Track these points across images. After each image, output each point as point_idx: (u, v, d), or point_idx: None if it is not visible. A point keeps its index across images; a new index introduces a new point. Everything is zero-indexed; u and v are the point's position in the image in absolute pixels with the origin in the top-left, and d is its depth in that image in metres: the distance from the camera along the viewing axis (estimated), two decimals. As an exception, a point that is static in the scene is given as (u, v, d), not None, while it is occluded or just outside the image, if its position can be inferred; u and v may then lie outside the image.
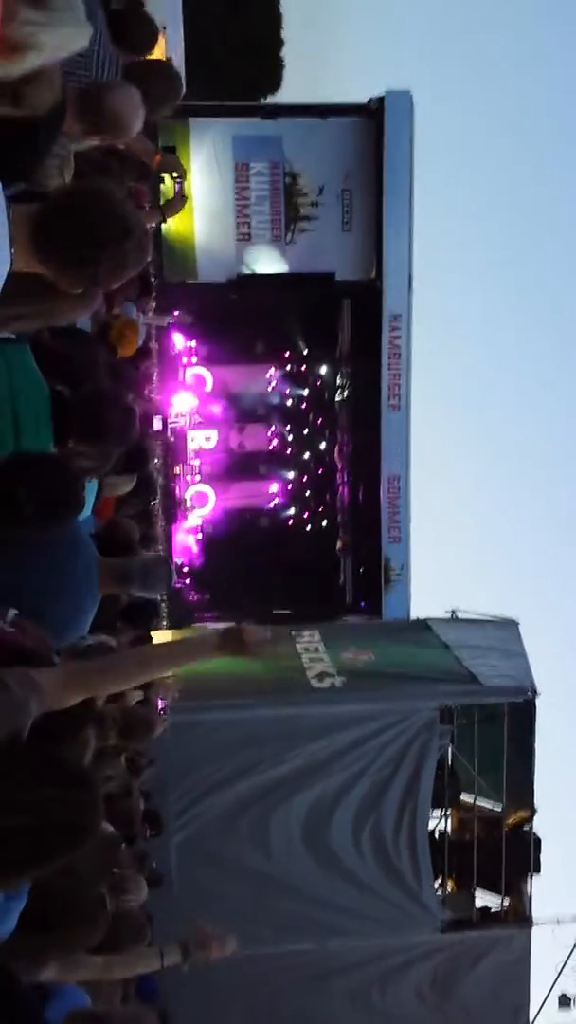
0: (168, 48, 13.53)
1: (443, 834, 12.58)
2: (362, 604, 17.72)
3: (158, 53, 5.80)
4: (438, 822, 12.67)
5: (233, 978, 10.05)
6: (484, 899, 12.42)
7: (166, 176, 9.42)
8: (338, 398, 18.38)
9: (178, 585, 16.95)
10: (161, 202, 8.85)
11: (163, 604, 13.71)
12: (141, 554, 4.61)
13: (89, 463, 3.74)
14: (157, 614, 8.18)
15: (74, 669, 2.75)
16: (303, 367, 18.72)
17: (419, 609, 16.86)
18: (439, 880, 12.26)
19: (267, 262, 16.37)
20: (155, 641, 5.74)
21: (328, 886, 11.20)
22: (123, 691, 4.27)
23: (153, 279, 11.66)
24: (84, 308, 3.32)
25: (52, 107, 2.83)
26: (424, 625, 14.10)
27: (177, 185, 9.22)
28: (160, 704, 5.49)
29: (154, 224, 8.29)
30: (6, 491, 2.79)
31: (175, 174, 8.93)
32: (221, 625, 2.82)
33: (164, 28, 12.99)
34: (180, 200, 8.48)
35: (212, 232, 16.07)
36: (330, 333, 18.16)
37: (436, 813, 12.42)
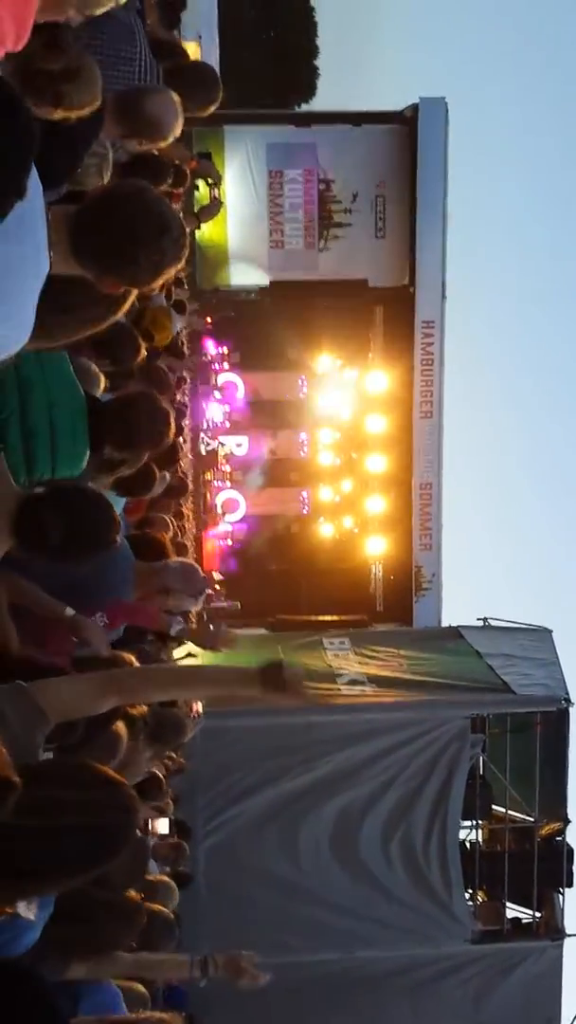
0: (203, 56, 13.58)
1: (474, 845, 12.48)
2: (391, 611, 17.65)
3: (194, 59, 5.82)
4: (469, 832, 12.57)
5: (261, 988, 9.99)
6: (515, 911, 12.31)
7: (201, 183, 9.47)
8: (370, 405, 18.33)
9: (209, 592, 16.93)
10: (196, 208, 8.90)
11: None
12: (173, 559, 4.60)
13: (125, 466, 3.75)
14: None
15: (114, 675, 2.75)
16: (336, 374, 18.68)
17: (450, 617, 16.81)
18: (470, 891, 12.15)
19: (300, 269, 16.39)
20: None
21: (357, 895, 11.13)
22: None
23: (185, 287, 11.69)
24: (115, 313, 3.32)
25: (92, 109, 2.85)
26: (456, 633, 14.02)
27: (213, 191, 9.26)
28: (194, 707, 5.48)
29: (189, 229, 8.33)
30: (36, 522, 2.76)
31: (210, 180, 8.97)
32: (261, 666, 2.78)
33: (200, 36, 13.06)
34: (216, 205, 8.52)
35: (245, 239, 16.11)
36: (362, 340, 18.13)
37: (467, 823, 12.32)
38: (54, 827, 1.95)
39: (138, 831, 3.66)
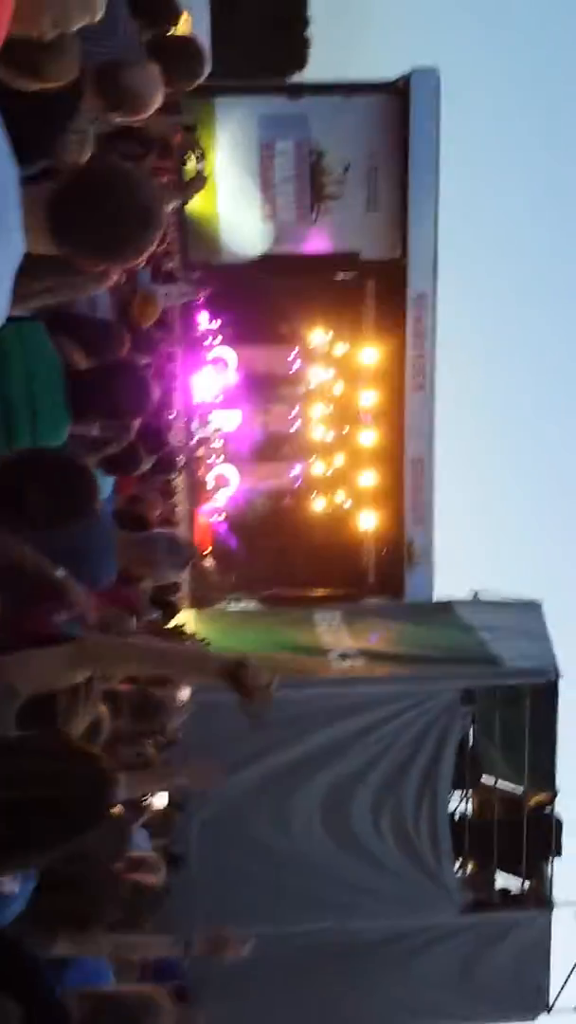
0: (193, 27, 13.47)
1: (464, 816, 12.58)
2: (382, 586, 17.70)
3: (183, 32, 5.77)
4: (459, 803, 12.67)
5: (255, 957, 10.09)
6: (505, 881, 12.42)
7: (188, 155, 9.41)
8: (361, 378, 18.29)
9: (202, 565, 16.98)
10: (184, 181, 8.85)
11: (186, 586, 13.74)
12: (156, 531, 4.61)
13: (106, 438, 3.74)
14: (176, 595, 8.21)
15: (85, 647, 2.76)
16: (327, 348, 18.63)
17: (442, 591, 16.86)
18: (459, 861, 12.27)
19: (292, 241, 16.30)
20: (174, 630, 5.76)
21: (348, 866, 11.23)
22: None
23: (171, 262, 11.61)
24: (101, 283, 3.32)
25: (71, 80, 2.82)
26: (447, 607, 14.07)
27: (198, 165, 9.20)
28: (181, 695, 5.49)
29: (177, 203, 8.28)
30: (14, 493, 2.75)
31: (196, 153, 8.91)
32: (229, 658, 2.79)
33: (190, 8, 12.93)
34: (200, 180, 8.49)
35: (237, 211, 15.99)
36: (354, 313, 18.06)
37: (457, 794, 12.42)
38: (21, 800, 1.96)
39: (115, 804, 3.68)
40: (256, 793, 10.97)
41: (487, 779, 12.77)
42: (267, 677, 2.80)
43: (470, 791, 12.67)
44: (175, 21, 4.75)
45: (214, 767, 3.85)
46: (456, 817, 12.44)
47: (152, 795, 6.12)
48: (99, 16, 2.40)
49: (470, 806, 12.71)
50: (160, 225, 2.53)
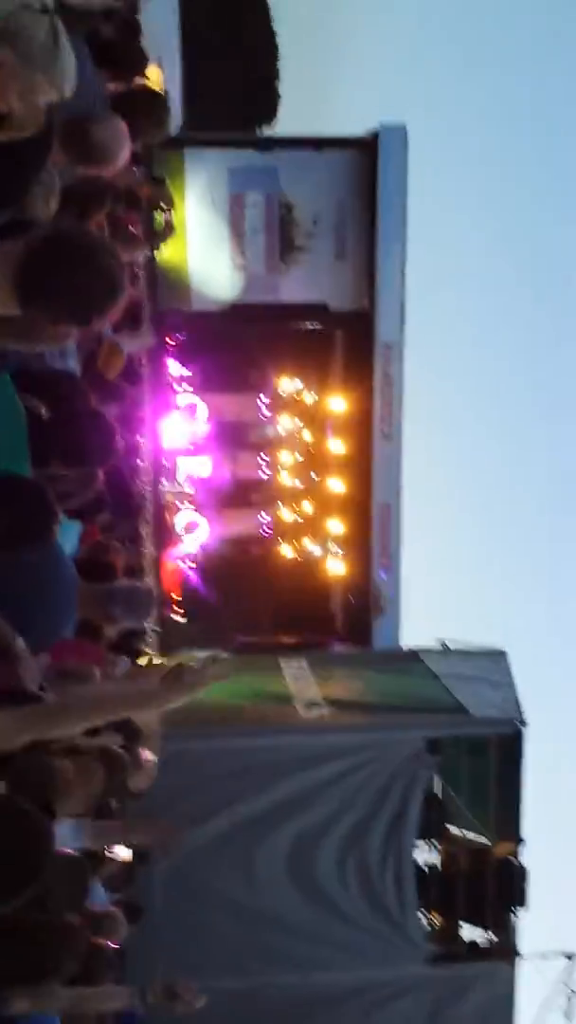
0: (165, 80, 13.68)
1: (430, 866, 12.49)
2: (350, 633, 17.67)
3: (154, 85, 5.86)
4: (425, 854, 12.58)
5: (218, 1012, 9.92)
6: (471, 932, 12.32)
7: (157, 207, 9.50)
8: (329, 426, 18.41)
9: (168, 613, 16.89)
10: (153, 232, 8.93)
11: (153, 632, 13.67)
12: (122, 581, 4.61)
13: (71, 486, 3.74)
14: (143, 642, 8.17)
15: (30, 712, 2.75)
16: (295, 396, 18.77)
17: (409, 638, 16.82)
18: (425, 912, 12.16)
19: (260, 291, 16.45)
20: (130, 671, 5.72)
21: (313, 918, 11.10)
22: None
23: (143, 309, 11.70)
24: (61, 342, 3.34)
25: (38, 131, 2.86)
26: (414, 655, 14.06)
27: (166, 216, 9.28)
28: (146, 755, 5.46)
29: (145, 254, 8.35)
30: None
31: (163, 205, 9.00)
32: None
33: (160, 61, 13.14)
34: (168, 230, 8.54)
35: (206, 261, 16.13)
36: (324, 361, 18.22)
37: (423, 845, 12.33)
38: None
39: (68, 857, 3.64)
40: (220, 843, 10.85)
41: (453, 829, 12.70)
42: (207, 664, 2.81)
43: (436, 841, 12.59)
44: (142, 72, 4.85)
45: (174, 829, 3.81)
46: (422, 868, 12.34)
47: (114, 848, 6.05)
48: (68, 94, 2.46)
49: (436, 856, 12.62)
50: (123, 292, 2.58)
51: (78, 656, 4.33)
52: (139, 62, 4.66)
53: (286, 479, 19.22)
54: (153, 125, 4.35)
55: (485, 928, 12.11)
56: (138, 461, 12.45)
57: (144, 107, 4.31)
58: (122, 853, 7.27)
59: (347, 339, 17.51)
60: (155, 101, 4.48)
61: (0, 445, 3.08)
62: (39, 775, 2.98)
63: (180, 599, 17.93)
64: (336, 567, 18.13)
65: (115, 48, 4.40)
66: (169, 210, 8.56)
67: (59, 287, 2.46)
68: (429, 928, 12.18)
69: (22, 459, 3.16)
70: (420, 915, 11.85)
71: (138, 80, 4.66)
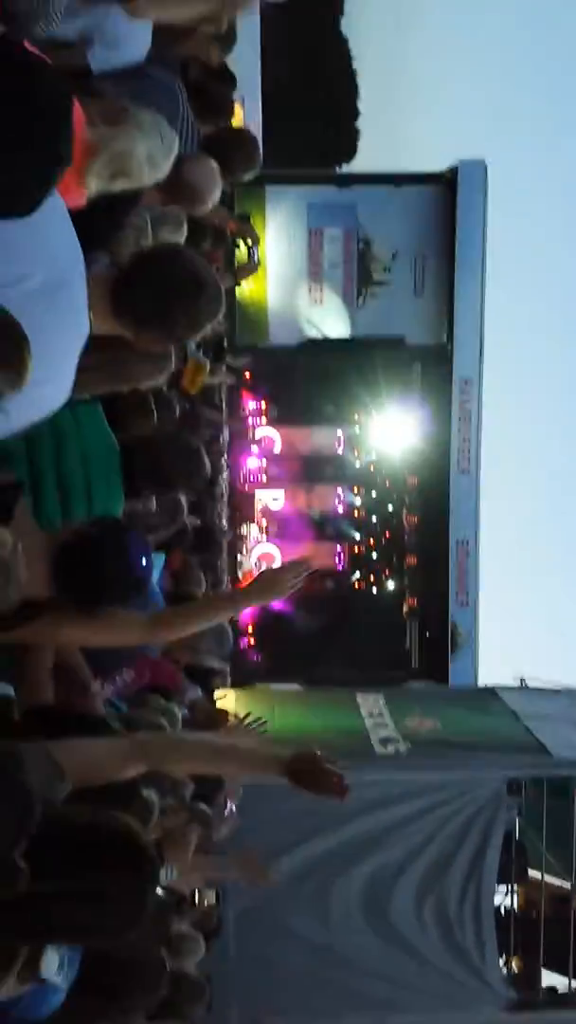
0: (246, 118, 13.86)
1: (509, 910, 12.21)
2: (426, 670, 17.49)
3: (236, 123, 5.92)
4: (504, 898, 12.31)
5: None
6: (551, 979, 12.01)
7: (240, 242, 9.59)
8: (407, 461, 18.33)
9: (241, 647, 16.90)
10: (235, 267, 9.02)
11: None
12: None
13: (158, 520, 3.77)
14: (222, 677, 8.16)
15: (140, 742, 2.74)
16: (372, 430, 18.73)
17: (487, 676, 16.62)
18: (504, 957, 11.88)
19: (337, 326, 16.54)
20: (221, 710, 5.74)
21: (388, 960, 10.91)
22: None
23: (225, 343, 11.82)
24: (160, 372, 3.38)
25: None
26: (492, 693, 13.85)
27: (250, 251, 9.37)
28: (229, 804, 5.45)
29: (227, 287, 8.43)
30: (71, 567, 2.74)
31: (248, 240, 9.09)
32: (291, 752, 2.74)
33: (243, 99, 13.34)
34: (253, 266, 8.61)
35: (284, 296, 16.29)
36: (400, 396, 18.17)
37: (502, 888, 12.07)
38: (68, 893, 1.93)
39: (161, 896, 3.62)
40: (295, 881, 10.72)
41: (533, 873, 12.40)
42: (325, 762, 2.73)
43: (515, 885, 12.31)
44: (231, 114, 4.90)
45: (264, 864, 3.77)
46: (501, 911, 12.08)
47: (202, 893, 5.95)
48: (162, 177, 2.55)
49: (515, 900, 12.34)
50: (215, 301, 2.63)
51: (159, 676, 4.33)
52: (230, 105, 4.71)
53: (362, 512, 19.13)
54: (242, 164, 4.39)
55: (566, 974, 11.78)
56: (216, 491, 12.53)
57: (234, 146, 4.36)
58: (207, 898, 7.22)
59: (424, 372, 17.46)
60: (244, 140, 4.53)
61: (96, 487, 3.10)
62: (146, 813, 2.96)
63: (253, 632, 17.94)
64: (413, 602, 17.97)
65: (209, 94, 4.45)
66: (255, 246, 8.66)
67: (148, 289, 2.57)
68: (508, 973, 11.88)
69: (117, 496, 3.18)
70: (499, 960, 11.57)
71: (228, 120, 4.71)
